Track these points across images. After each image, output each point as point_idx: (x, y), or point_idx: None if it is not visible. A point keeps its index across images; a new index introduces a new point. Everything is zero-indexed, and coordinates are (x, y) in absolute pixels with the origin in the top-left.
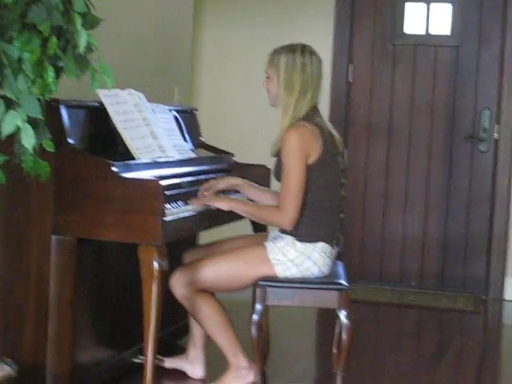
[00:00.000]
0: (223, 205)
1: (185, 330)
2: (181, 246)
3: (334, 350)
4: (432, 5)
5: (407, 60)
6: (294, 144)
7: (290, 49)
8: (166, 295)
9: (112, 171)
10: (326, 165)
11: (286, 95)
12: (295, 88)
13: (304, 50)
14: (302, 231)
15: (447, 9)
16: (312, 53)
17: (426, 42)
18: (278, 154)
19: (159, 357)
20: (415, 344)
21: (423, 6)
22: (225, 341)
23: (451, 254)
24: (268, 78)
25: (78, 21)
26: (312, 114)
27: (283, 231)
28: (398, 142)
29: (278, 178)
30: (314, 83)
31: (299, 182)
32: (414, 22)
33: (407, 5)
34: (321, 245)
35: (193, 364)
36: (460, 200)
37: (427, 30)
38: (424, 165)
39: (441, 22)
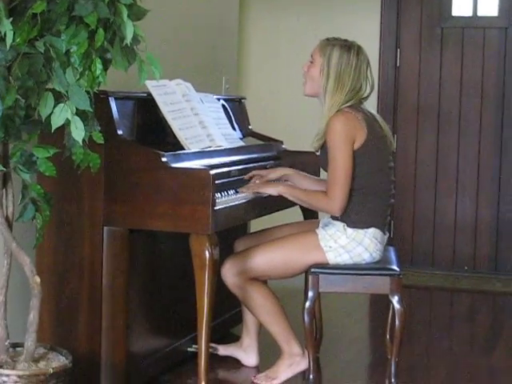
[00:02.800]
0: (273, 190)
1: (238, 319)
2: (232, 234)
3: (387, 336)
4: None
5: (455, 43)
6: (339, 129)
7: (346, 45)
8: (219, 284)
9: (162, 161)
10: (374, 149)
11: (335, 91)
12: (345, 85)
13: (359, 50)
14: (353, 217)
15: None
16: (365, 55)
17: (474, 23)
18: (322, 146)
19: (213, 345)
20: (469, 328)
21: None
22: (278, 328)
23: (504, 238)
24: (312, 62)
25: (125, 12)
26: (354, 104)
27: (334, 218)
28: (447, 125)
29: (326, 168)
30: (363, 81)
31: (346, 168)
32: (461, 3)
33: None
34: (372, 230)
35: (246, 352)
36: None
37: (475, 11)
38: (474, 148)
39: (488, 2)
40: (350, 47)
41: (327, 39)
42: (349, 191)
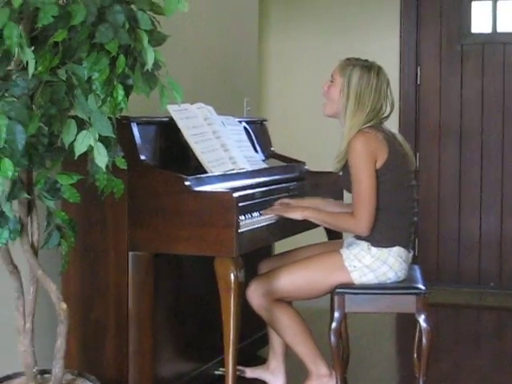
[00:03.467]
0: (297, 215)
1: (264, 340)
2: (256, 256)
3: (414, 355)
4: (499, 2)
5: (475, 59)
6: (360, 150)
7: (366, 65)
8: (244, 306)
9: (185, 185)
10: (395, 167)
11: (355, 111)
12: (366, 106)
13: (380, 71)
14: (377, 236)
15: None
16: (385, 75)
17: (494, 39)
18: (343, 167)
19: (240, 367)
20: (496, 346)
21: (489, 3)
22: (304, 349)
23: None
24: (332, 82)
25: (145, 38)
26: (374, 124)
27: (358, 237)
28: (469, 142)
29: (348, 189)
30: (383, 101)
31: (371, 187)
32: (480, 20)
33: (473, 3)
34: (396, 249)
35: (274, 374)
36: None
37: (494, 27)
38: (497, 164)
39: (508, 19)
40: (370, 68)
41: (348, 59)
42: (374, 211)
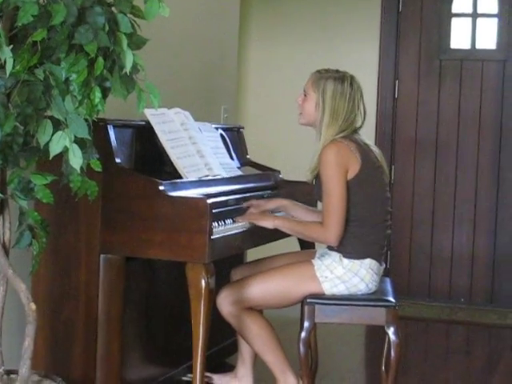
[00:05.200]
0: (268, 223)
1: (233, 348)
2: (228, 263)
3: (383, 367)
4: (478, 19)
5: (453, 75)
6: (331, 159)
7: (339, 76)
8: (214, 313)
9: (159, 190)
10: (368, 179)
11: (330, 122)
12: (340, 116)
13: (352, 81)
14: (349, 248)
15: (493, 23)
16: (358, 84)
17: (473, 56)
18: (316, 176)
19: (208, 374)
20: (465, 361)
21: (469, 20)
22: (273, 358)
23: (501, 270)
24: (305, 96)
25: (124, 41)
26: (348, 134)
27: (330, 248)
28: (445, 157)
29: (321, 199)
30: (356, 111)
31: (341, 197)
32: (459, 36)
33: (453, 20)
34: (368, 261)
35: (241, 381)
36: (509, 216)
37: (473, 44)
38: (472, 179)
39: (487, 36)
40: (343, 78)
41: (319, 72)
42: (344, 221)
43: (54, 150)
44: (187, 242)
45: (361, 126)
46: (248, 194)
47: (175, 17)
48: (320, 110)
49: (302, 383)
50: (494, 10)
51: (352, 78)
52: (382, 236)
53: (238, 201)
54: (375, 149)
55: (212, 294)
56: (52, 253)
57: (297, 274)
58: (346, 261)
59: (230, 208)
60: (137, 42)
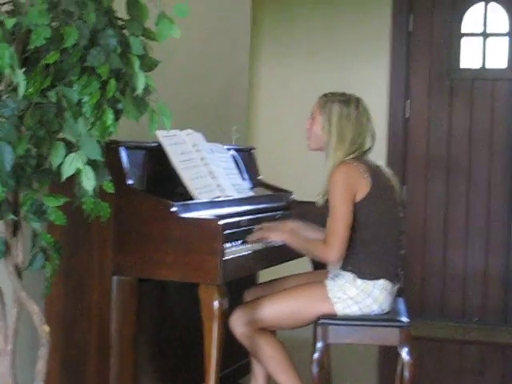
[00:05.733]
0: (277, 236)
1: (246, 369)
2: (241, 284)
3: None
4: (488, 39)
5: (464, 94)
6: (340, 179)
7: (345, 99)
8: (227, 334)
9: (171, 211)
10: (379, 199)
11: (337, 145)
12: (347, 139)
13: (358, 103)
14: (363, 268)
15: (503, 42)
16: (365, 107)
17: (483, 75)
18: (327, 201)
19: None
20: (479, 381)
21: (479, 40)
22: (286, 379)
23: None
24: (312, 119)
25: (136, 63)
26: (357, 156)
27: (344, 268)
28: (456, 177)
29: None
30: (364, 135)
31: (345, 217)
32: (470, 56)
33: (463, 39)
34: (381, 282)
35: None
36: None
37: (484, 63)
38: (484, 199)
39: (497, 55)
40: (349, 101)
41: (325, 95)
42: (347, 241)
43: (67, 172)
44: (199, 263)
45: (370, 149)
46: (260, 215)
47: (187, 38)
48: (326, 133)
49: None
50: (505, 29)
51: (358, 100)
52: (396, 256)
53: (250, 222)
54: (387, 170)
55: (225, 316)
56: (65, 274)
57: (309, 295)
58: (359, 281)
59: (242, 229)
60: (148, 64)
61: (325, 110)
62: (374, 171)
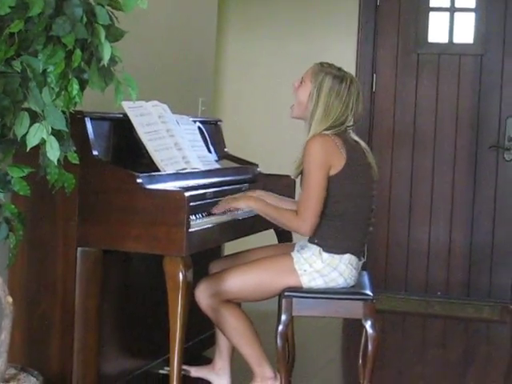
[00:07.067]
0: (242, 204)
1: (211, 341)
2: (206, 256)
3: (360, 361)
4: (456, 13)
5: (431, 69)
6: (315, 151)
7: (339, 75)
8: (192, 306)
9: (137, 183)
10: (354, 175)
11: (321, 118)
12: (331, 115)
13: (351, 83)
14: (330, 242)
15: (470, 17)
16: (357, 88)
17: (450, 50)
18: (301, 172)
19: (185, 367)
20: (441, 354)
21: (446, 14)
22: (250, 351)
23: (477, 263)
24: (301, 82)
25: (102, 33)
26: (337, 132)
27: (310, 241)
28: (422, 150)
29: None
30: (349, 113)
31: (319, 189)
32: (437, 30)
33: (431, 14)
34: (347, 256)
35: (219, 374)
36: (485, 209)
37: (451, 38)
38: (449, 174)
39: (464, 30)
40: (342, 79)
41: (321, 64)
42: (320, 213)
43: (31, 142)
44: (165, 235)
45: (352, 125)
46: (226, 187)
47: (153, 9)
48: (313, 103)
49: (279, 376)
50: (472, 4)
51: (352, 79)
52: (364, 232)
53: (215, 194)
54: (365, 146)
55: (190, 287)
56: (29, 246)
57: (275, 267)
58: (325, 255)
59: (207, 201)
60: (115, 34)
61: (316, 78)
62: (352, 146)
